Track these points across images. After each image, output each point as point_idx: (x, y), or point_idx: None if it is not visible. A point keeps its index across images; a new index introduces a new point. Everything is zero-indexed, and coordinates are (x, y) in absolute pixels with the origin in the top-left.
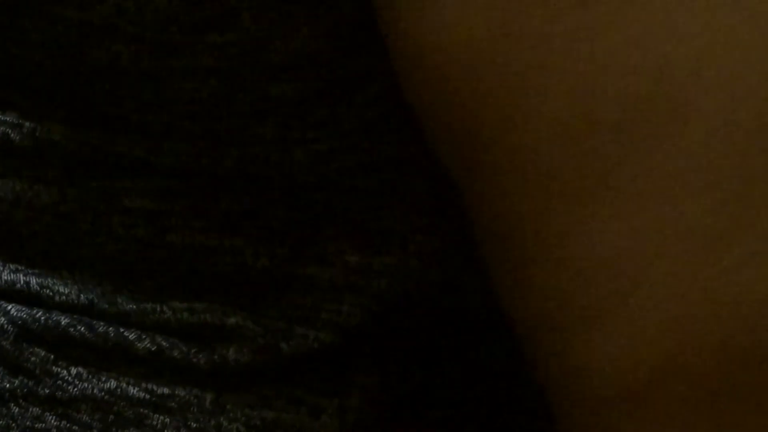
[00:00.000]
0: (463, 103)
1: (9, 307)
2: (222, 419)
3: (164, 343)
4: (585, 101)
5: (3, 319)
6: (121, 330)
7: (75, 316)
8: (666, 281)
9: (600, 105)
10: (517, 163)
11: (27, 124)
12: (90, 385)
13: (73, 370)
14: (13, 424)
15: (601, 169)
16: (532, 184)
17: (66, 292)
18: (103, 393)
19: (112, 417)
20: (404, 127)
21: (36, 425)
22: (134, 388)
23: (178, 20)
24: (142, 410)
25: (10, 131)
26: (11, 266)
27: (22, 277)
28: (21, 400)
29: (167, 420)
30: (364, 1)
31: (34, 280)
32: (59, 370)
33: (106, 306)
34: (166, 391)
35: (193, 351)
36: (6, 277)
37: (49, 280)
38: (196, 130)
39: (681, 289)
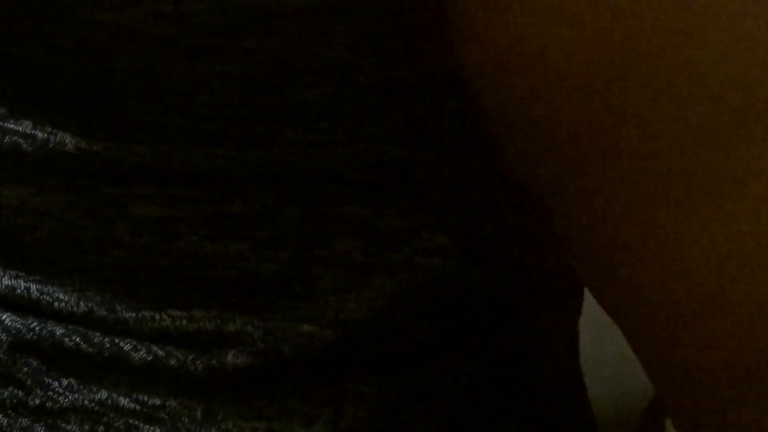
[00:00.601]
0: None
1: (4, 317)
2: (213, 430)
3: (160, 352)
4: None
5: None
6: (117, 341)
7: (70, 327)
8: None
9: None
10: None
11: (39, 134)
12: (80, 396)
13: (65, 381)
14: None
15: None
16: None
17: (66, 299)
18: (93, 404)
19: (101, 428)
20: (429, 130)
21: None
22: (125, 399)
23: (216, 25)
24: (132, 421)
25: (21, 141)
26: (11, 272)
27: (22, 283)
28: (10, 411)
29: (157, 431)
30: (406, 7)
31: (34, 287)
32: (50, 380)
33: (105, 313)
34: (157, 401)
35: (190, 358)
36: (6, 282)
37: (49, 287)
38: (219, 133)
39: None
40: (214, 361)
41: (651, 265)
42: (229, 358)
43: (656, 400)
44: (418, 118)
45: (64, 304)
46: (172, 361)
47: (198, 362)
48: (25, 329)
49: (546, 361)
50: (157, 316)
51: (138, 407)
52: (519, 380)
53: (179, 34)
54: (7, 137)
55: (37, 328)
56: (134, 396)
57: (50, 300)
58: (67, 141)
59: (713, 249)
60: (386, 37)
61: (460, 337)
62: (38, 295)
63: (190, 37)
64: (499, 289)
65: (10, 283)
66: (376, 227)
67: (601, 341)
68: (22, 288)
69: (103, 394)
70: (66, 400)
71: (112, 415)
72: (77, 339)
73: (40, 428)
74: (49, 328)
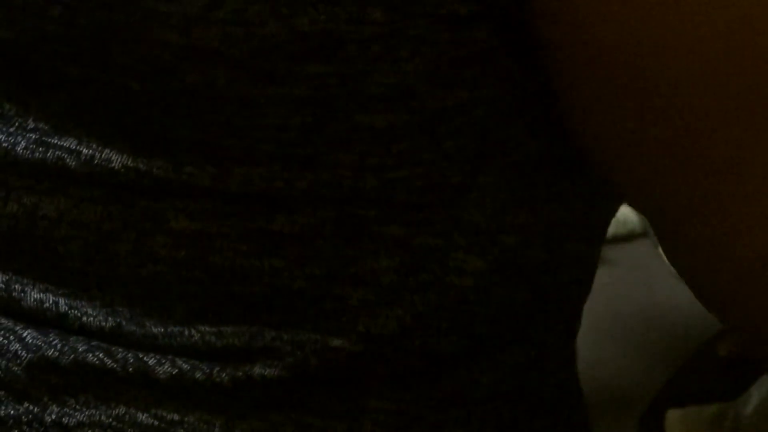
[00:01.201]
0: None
1: (25, 334)
2: None
3: (185, 366)
4: None
5: (17, 345)
6: (141, 355)
7: (93, 343)
8: None
9: None
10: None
11: (85, 150)
12: (98, 411)
13: (82, 397)
14: None
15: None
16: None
17: (94, 314)
18: (110, 419)
19: None
20: (479, 156)
21: None
22: (143, 414)
23: (283, 49)
24: None
25: (66, 156)
26: (41, 285)
27: (51, 297)
28: (25, 427)
29: None
30: (472, 35)
31: (63, 301)
32: (68, 397)
33: (134, 328)
34: (175, 417)
35: (216, 370)
36: (35, 296)
37: (78, 301)
38: (275, 155)
39: None
40: (240, 373)
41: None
42: (257, 369)
43: (656, 399)
44: (468, 143)
45: (92, 318)
46: (198, 374)
47: (224, 374)
48: (46, 346)
49: (547, 375)
50: (186, 332)
51: (156, 422)
52: (524, 392)
53: (247, 57)
54: (50, 151)
55: (59, 344)
56: (153, 411)
57: (78, 314)
58: (113, 158)
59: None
60: (448, 64)
61: (476, 352)
62: (66, 309)
63: (258, 60)
64: (518, 307)
65: (38, 297)
66: (409, 247)
67: (600, 344)
68: (51, 302)
69: (121, 410)
70: (83, 415)
71: (129, 430)
72: (101, 355)
73: None
74: (71, 345)
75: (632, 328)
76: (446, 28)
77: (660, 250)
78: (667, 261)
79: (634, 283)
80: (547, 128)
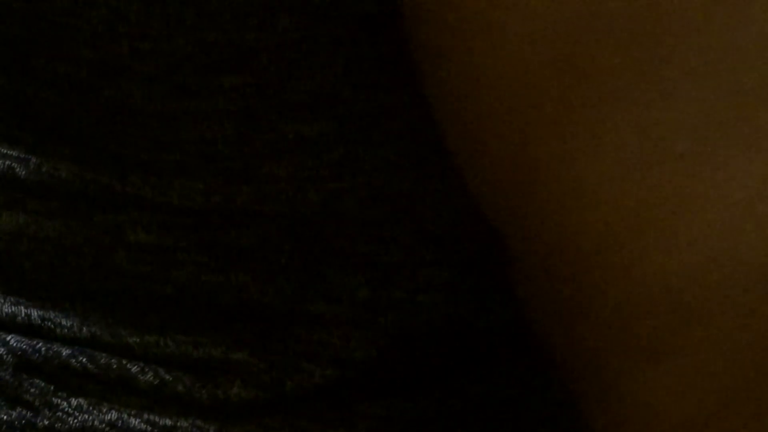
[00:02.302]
0: (516, 138)
1: (8, 338)
2: None
3: (167, 377)
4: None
5: (2, 349)
6: (124, 362)
7: (76, 348)
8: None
9: (669, 135)
10: (576, 197)
11: (33, 159)
12: (90, 417)
13: (74, 402)
14: None
15: (672, 200)
16: (595, 221)
17: (68, 324)
18: (103, 425)
19: None
20: (421, 161)
21: None
22: (135, 420)
23: (194, 62)
24: None
25: (16, 165)
26: (12, 299)
27: (23, 310)
28: None
29: None
30: (387, 35)
31: (36, 313)
32: (59, 401)
33: (110, 338)
34: (168, 422)
35: (196, 386)
36: (7, 310)
37: (51, 312)
38: (209, 169)
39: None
40: (219, 392)
41: None
42: (234, 389)
43: None
44: (412, 148)
45: (66, 330)
46: (179, 387)
47: (203, 391)
48: (30, 350)
49: (538, 381)
50: (162, 342)
51: (149, 428)
52: (516, 401)
53: (158, 72)
54: (1, 161)
55: (42, 349)
56: (145, 416)
57: (52, 326)
58: (60, 167)
59: None
60: (371, 67)
61: (463, 365)
62: (40, 321)
63: (169, 74)
64: (499, 318)
65: (11, 310)
66: (379, 263)
67: None
68: (23, 315)
69: (114, 415)
70: (76, 420)
71: None
72: (84, 360)
73: None
74: (55, 349)
75: None
76: (361, 28)
77: None
78: None
79: None
80: None
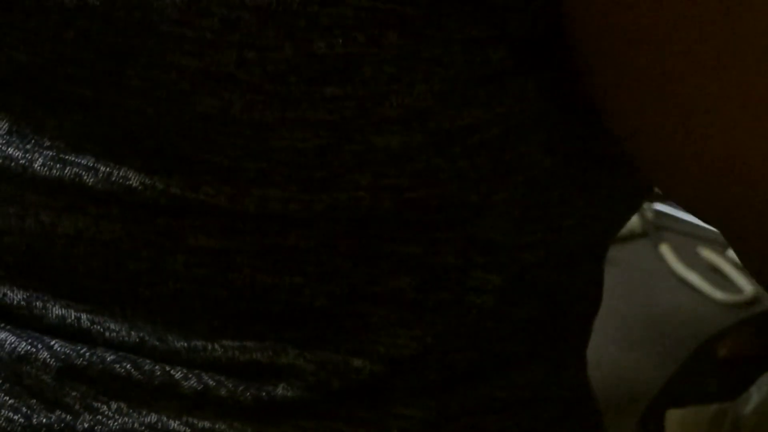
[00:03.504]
0: None
1: (53, 343)
2: None
3: (211, 382)
4: None
5: (46, 353)
6: (168, 368)
7: (120, 353)
8: None
9: None
10: None
11: (102, 167)
12: (130, 420)
13: (114, 405)
14: None
15: None
16: None
17: (117, 329)
18: (143, 427)
19: None
20: (495, 173)
21: None
22: (175, 422)
23: (299, 72)
24: None
25: (84, 173)
26: (62, 302)
27: (73, 313)
28: None
29: None
30: (486, 55)
31: (85, 316)
32: (99, 405)
33: (157, 343)
34: (206, 424)
35: (240, 389)
36: (57, 312)
37: (100, 316)
38: (291, 177)
39: None
40: (263, 393)
41: None
42: (279, 390)
43: (656, 399)
44: (483, 162)
45: (115, 333)
46: (222, 391)
47: (248, 393)
48: (75, 354)
49: (562, 384)
50: (209, 346)
51: (188, 429)
52: (540, 401)
53: (262, 81)
54: (68, 168)
55: (87, 354)
56: (184, 419)
57: (101, 330)
58: (131, 176)
59: None
60: (462, 85)
61: (492, 368)
62: (89, 324)
63: (273, 84)
64: (534, 324)
65: (60, 313)
66: (428, 265)
67: (600, 344)
68: (73, 317)
69: (153, 418)
70: (115, 423)
71: None
72: (128, 366)
73: None
74: (100, 354)
75: (632, 328)
76: (461, 50)
77: (660, 250)
78: (667, 261)
79: (634, 283)
80: (561, 145)
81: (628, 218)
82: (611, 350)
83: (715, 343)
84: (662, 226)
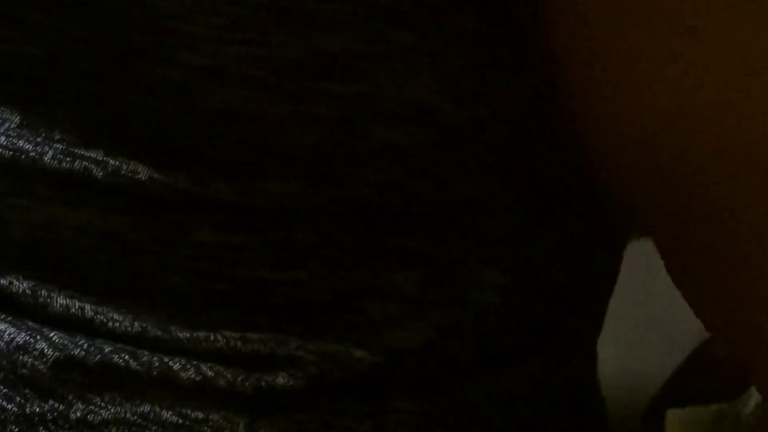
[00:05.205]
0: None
1: (52, 334)
2: None
3: (209, 373)
4: None
5: (44, 343)
6: (166, 359)
7: (119, 345)
8: None
9: None
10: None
11: (111, 161)
12: (122, 409)
13: (107, 395)
14: None
15: None
16: None
17: (120, 319)
18: (135, 416)
19: None
20: (501, 171)
21: None
22: (168, 412)
23: (304, 68)
24: None
25: (93, 167)
26: (66, 292)
27: (77, 303)
28: (50, 424)
29: None
30: (493, 52)
31: (89, 306)
32: (93, 395)
33: (159, 333)
34: (200, 415)
35: (239, 378)
36: (61, 302)
37: (104, 307)
38: (296, 172)
39: None
40: (263, 383)
41: None
42: (279, 380)
43: (656, 399)
44: (488, 158)
45: (118, 324)
46: (221, 382)
47: (247, 383)
48: (72, 345)
49: (568, 377)
50: (212, 336)
51: (181, 420)
52: (544, 394)
53: (268, 77)
54: (77, 161)
55: (85, 345)
56: (177, 409)
57: (104, 320)
58: (139, 170)
59: None
60: (467, 80)
61: (496, 362)
62: (92, 314)
63: (278, 80)
64: (540, 319)
65: (64, 302)
66: (432, 260)
67: (600, 344)
68: (77, 307)
69: (146, 408)
70: (108, 413)
71: (154, 428)
72: (126, 356)
73: None
74: (98, 345)
75: (632, 328)
76: (465, 44)
77: None
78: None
79: (634, 283)
80: (566, 143)
81: None
82: (611, 350)
83: (715, 343)
84: None
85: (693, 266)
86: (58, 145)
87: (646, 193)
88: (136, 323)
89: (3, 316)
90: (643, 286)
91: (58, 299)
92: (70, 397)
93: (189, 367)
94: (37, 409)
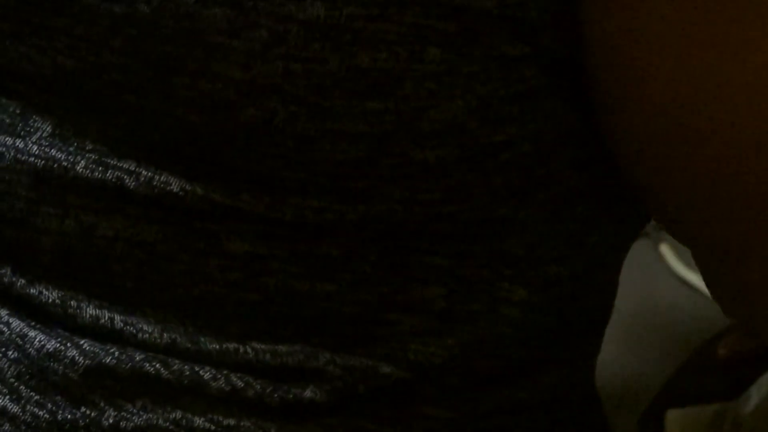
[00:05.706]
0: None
1: (82, 342)
2: None
3: (239, 383)
4: None
5: (75, 351)
6: (197, 368)
7: (150, 354)
8: None
9: None
10: None
11: (144, 172)
12: (155, 416)
13: (139, 402)
14: None
15: None
16: None
17: (149, 330)
18: (167, 423)
19: None
20: (526, 190)
21: None
22: (200, 419)
23: (342, 85)
24: None
25: (126, 177)
26: (96, 302)
27: (106, 313)
28: (83, 431)
29: None
30: (522, 73)
31: (118, 317)
32: (125, 402)
33: (189, 345)
34: (231, 422)
35: (268, 390)
36: (90, 312)
37: (133, 318)
38: (328, 188)
39: None
40: (291, 396)
41: None
42: (307, 393)
43: (656, 399)
44: (514, 178)
45: (147, 335)
46: (249, 392)
47: (275, 395)
48: (103, 353)
49: (575, 386)
50: (241, 349)
51: (212, 427)
52: (555, 402)
53: (307, 93)
54: (110, 172)
55: (116, 353)
56: (209, 416)
57: (134, 331)
58: (172, 181)
59: None
60: (498, 102)
61: (515, 373)
62: (122, 325)
63: (317, 96)
64: (555, 332)
65: (94, 313)
66: (458, 277)
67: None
68: (106, 318)
69: (178, 414)
70: (140, 419)
71: None
72: (157, 365)
73: None
74: (129, 353)
75: (632, 328)
76: (498, 67)
77: (660, 249)
78: (667, 261)
79: (634, 283)
80: (588, 162)
81: (641, 229)
82: (611, 350)
83: (715, 343)
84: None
85: (719, 249)
86: (90, 155)
87: (686, 191)
88: (165, 334)
89: (33, 324)
90: (643, 286)
91: (88, 309)
92: (102, 404)
93: (219, 377)
94: (69, 416)
